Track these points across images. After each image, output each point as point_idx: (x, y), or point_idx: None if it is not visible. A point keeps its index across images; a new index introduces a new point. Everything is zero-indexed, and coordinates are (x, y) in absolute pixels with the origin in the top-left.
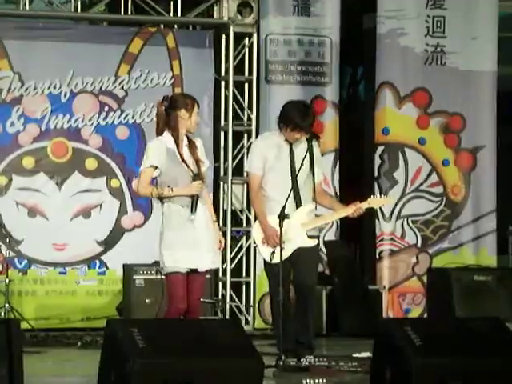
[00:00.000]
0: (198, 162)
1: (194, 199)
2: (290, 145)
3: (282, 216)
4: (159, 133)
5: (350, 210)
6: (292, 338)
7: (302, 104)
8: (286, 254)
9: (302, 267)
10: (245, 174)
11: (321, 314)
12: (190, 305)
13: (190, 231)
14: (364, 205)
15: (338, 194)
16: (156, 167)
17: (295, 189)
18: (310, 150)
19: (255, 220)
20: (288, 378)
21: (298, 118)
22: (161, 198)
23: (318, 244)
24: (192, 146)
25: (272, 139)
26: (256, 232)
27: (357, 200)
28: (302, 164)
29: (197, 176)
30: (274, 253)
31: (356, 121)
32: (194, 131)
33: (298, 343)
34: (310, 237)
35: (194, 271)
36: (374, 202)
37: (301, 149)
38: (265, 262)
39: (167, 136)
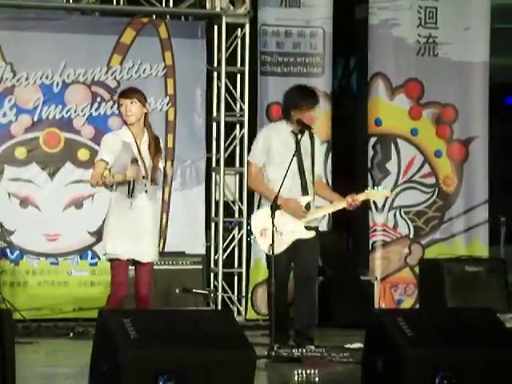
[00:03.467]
0: (154, 160)
1: (131, 183)
2: (296, 136)
3: (275, 207)
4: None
5: (346, 203)
6: (286, 328)
7: (300, 85)
8: (284, 245)
9: (303, 258)
10: (245, 163)
11: None
12: (140, 294)
13: (131, 220)
14: (360, 197)
15: (331, 185)
16: (107, 162)
17: (302, 180)
18: (312, 141)
19: (248, 212)
20: (280, 368)
21: (299, 97)
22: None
23: (317, 235)
24: (154, 143)
25: (278, 129)
26: (254, 223)
27: (350, 191)
28: (307, 155)
29: (145, 177)
30: (271, 245)
31: (348, 112)
32: (130, 122)
33: (298, 333)
34: (308, 228)
35: (138, 262)
36: (372, 194)
37: (305, 141)
38: (267, 253)
39: (125, 129)
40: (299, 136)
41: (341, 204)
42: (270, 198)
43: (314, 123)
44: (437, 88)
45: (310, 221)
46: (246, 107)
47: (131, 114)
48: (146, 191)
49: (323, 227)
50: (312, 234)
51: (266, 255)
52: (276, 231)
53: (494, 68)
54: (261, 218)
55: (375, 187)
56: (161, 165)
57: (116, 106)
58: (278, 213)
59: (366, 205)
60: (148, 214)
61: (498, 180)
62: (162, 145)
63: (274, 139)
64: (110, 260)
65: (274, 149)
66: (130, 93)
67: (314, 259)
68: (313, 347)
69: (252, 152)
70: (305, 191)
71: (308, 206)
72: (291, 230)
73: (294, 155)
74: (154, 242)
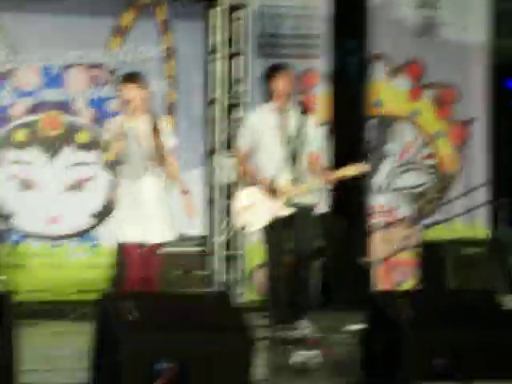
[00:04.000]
0: (156, 140)
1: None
2: (281, 116)
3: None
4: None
5: (320, 181)
6: (284, 307)
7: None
8: (262, 223)
9: (297, 237)
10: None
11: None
12: (148, 278)
13: (139, 203)
14: (336, 174)
15: (331, 166)
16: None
17: (289, 158)
18: (300, 122)
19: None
20: (280, 349)
21: (264, 71)
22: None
23: (312, 211)
24: (154, 124)
25: (262, 112)
26: (235, 202)
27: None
28: (293, 135)
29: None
30: (243, 228)
31: (348, 93)
32: (131, 107)
33: (293, 305)
34: (288, 204)
35: (147, 244)
36: (347, 170)
37: (291, 119)
38: (263, 232)
39: (126, 113)
40: (284, 113)
41: (314, 182)
42: (254, 181)
43: (289, 90)
44: (437, 69)
45: (288, 198)
46: (245, 89)
47: (132, 99)
48: (152, 173)
49: (323, 209)
50: (291, 210)
51: (265, 236)
52: (254, 210)
53: (498, 50)
54: (239, 198)
55: (379, 173)
56: (170, 143)
57: (116, 88)
58: (257, 191)
59: (363, 186)
60: (155, 196)
61: (497, 162)
62: (164, 124)
63: (258, 122)
64: (120, 244)
65: (260, 130)
66: (131, 77)
67: (307, 237)
68: (305, 321)
69: (238, 137)
70: (293, 170)
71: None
72: (269, 208)
73: (280, 136)
74: (163, 222)
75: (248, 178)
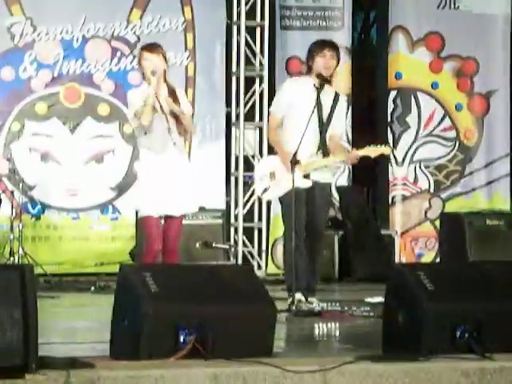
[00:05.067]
0: (176, 112)
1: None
2: (318, 92)
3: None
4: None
5: (344, 157)
6: (302, 279)
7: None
8: (280, 191)
9: (312, 212)
10: (264, 117)
11: (333, 259)
12: (168, 248)
13: (161, 175)
14: (360, 152)
15: (351, 138)
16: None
17: (321, 135)
18: (335, 99)
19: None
20: (300, 322)
21: (313, 44)
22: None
23: (329, 188)
24: (173, 96)
25: (299, 83)
26: (258, 167)
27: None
28: (325, 113)
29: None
30: (265, 190)
31: (368, 65)
32: (153, 76)
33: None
34: (305, 177)
35: (169, 216)
36: (371, 150)
37: (327, 97)
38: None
39: (146, 84)
40: (321, 91)
41: (339, 157)
42: (279, 152)
43: (331, 73)
44: (457, 41)
45: (307, 170)
46: (265, 62)
47: (155, 68)
48: (175, 143)
49: (343, 182)
50: (309, 183)
51: (284, 209)
52: (274, 177)
53: None
54: (263, 164)
55: (377, 145)
56: (186, 111)
57: (137, 60)
58: (278, 160)
59: (384, 158)
60: (178, 167)
61: None
62: (182, 94)
63: (295, 93)
64: (143, 216)
65: (295, 102)
66: (154, 47)
67: (321, 217)
68: (314, 299)
69: (273, 103)
70: (320, 146)
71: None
72: (288, 178)
73: (313, 110)
74: (184, 195)
75: (274, 145)
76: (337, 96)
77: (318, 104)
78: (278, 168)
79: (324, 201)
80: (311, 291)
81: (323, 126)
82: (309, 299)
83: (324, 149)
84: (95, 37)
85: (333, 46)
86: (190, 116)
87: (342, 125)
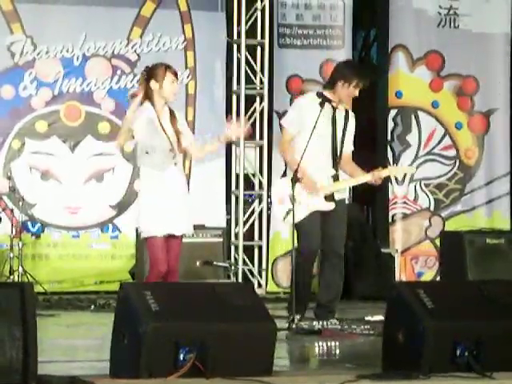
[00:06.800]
0: (177, 132)
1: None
2: (334, 110)
3: (295, 179)
4: (141, 103)
5: (370, 177)
6: (306, 300)
7: (357, 63)
8: (301, 215)
9: (332, 234)
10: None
11: None
12: (169, 268)
13: (164, 195)
14: (384, 173)
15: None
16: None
17: (333, 154)
18: (346, 117)
19: (268, 185)
20: (300, 340)
21: (357, 74)
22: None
23: (346, 207)
24: (173, 117)
25: (316, 100)
26: (275, 190)
27: (370, 163)
28: (341, 130)
29: (172, 149)
30: (288, 213)
31: (369, 84)
32: (171, 100)
33: (320, 305)
34: (328, 199)
35: (170, 235)
36: (394, 170)
37: (341, 116)
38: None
39: (147, 105)
40: (336, 110)
41: (365, 177)
42: (293, 169)
43: (349, 102)
44: (458, 60)
45: (330, 192)
46: (265, 80)
47: (170, 90)
48: (176, 163)
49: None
50: (331, 206)
51: (296, 226)
52: (294, 200)
53: None
54: (281, 185)
55: (399, 164)
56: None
57: (137, 79)
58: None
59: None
60: (180, 187)
61: None
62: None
63: (310, 109)
64: (147, 238)
65: (309, 119)
66: (172, 69)
67: (341, 235)
68: (334, 320)
69: (287, 117)
70: (334, 165)
71: (335, 178)
72: (310, 201)
73: (331, 130)
74: (187, 214)
75: (289, 164)
76: (347, 114)
77: (334, 123)
78: (298, 190)
79: (343, 218)
80: (332, 312)
81: (336, 146)
82: (330, 320)
83: (337, 168)
84: (95, 55)
85: (367, 79)
86: (190, 138)
87: (351, 143)
